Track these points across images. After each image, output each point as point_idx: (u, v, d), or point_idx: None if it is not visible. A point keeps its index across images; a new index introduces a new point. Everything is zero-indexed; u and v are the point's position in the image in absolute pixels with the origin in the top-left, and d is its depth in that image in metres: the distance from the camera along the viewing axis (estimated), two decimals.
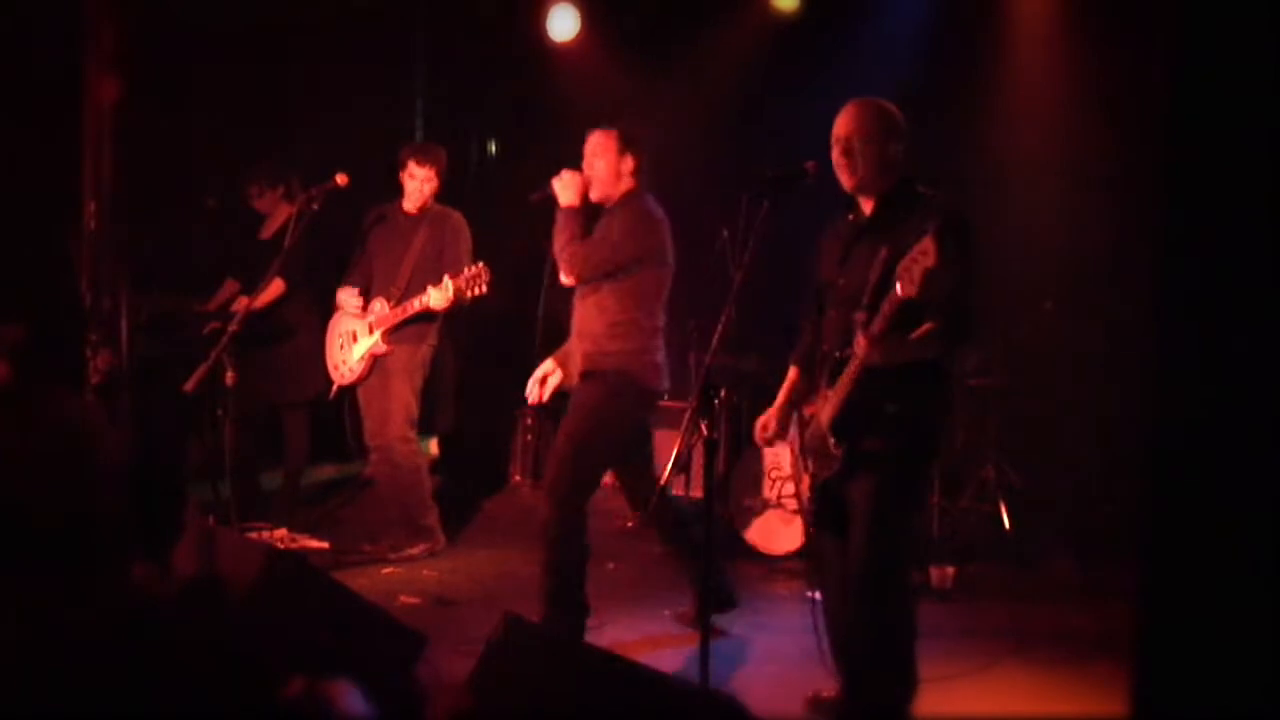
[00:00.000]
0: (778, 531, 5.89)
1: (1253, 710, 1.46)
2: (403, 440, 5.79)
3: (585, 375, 4.49)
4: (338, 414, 6.27)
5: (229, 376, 5.14)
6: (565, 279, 4.54)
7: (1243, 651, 1.46)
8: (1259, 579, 1.45)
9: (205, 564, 3.83)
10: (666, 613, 4.90)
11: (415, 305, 5.58)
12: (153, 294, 6.27)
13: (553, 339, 4.76)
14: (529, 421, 7.36)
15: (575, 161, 4.56)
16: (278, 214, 6.21)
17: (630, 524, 6.53)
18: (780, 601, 5.36)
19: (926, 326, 3.26)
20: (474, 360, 7.61)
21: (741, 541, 5.95)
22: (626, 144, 4.49)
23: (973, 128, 6.58)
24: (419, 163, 5.79)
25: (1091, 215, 6.26)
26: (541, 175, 4.61)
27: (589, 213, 4.57)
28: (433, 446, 7.50)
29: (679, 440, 3.70)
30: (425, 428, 6.18)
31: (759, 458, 5.99)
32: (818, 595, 3.82)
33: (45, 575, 3.34)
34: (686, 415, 3.53)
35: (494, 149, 8.40)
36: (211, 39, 6.72)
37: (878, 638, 3.53)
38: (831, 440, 3.48)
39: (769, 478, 5.92)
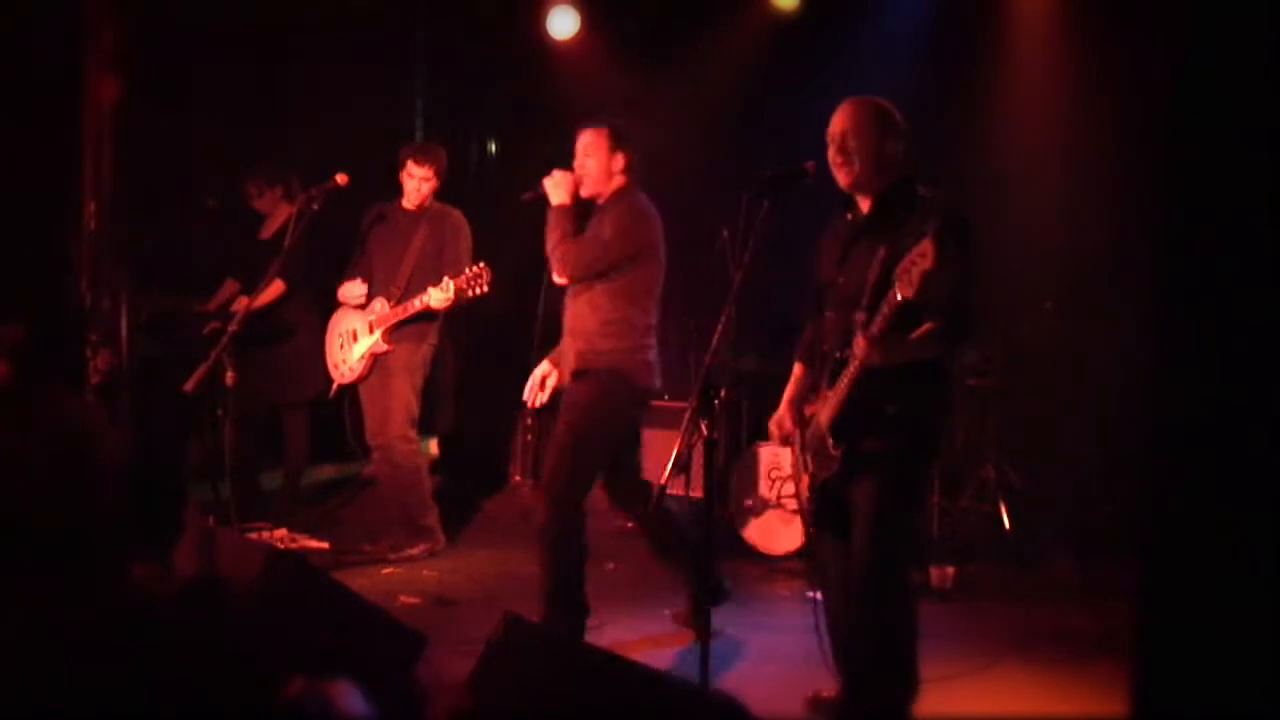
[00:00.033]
0: (777, 531, 5.89)
1: (1253, 710, 1.46)
2: (403, 439, 5.80)
3: (578, 374, 4.48)
4: (338, 414, 6.27)
5: (229, 376, 5.14)
6: (557, 278, 4.54)
7: (1243, 651, 1.46)
8: (1259, 579, 1.45)
9: (205, 564, 3.84)
10: (666, 613, 4.90)
11: (416, 304, 5.58)
12: (153, 294, 6.27)
13: (551, 339, 4.76)
14: (529, 421, 7.36)
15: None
16: (277, 214, 6.21)
17: (630, 524, 6.53)
18: (780, 601, 5.36)
19: (926, 327, 3.26)
20: (474, 360, 7.61)
21: (741, 541, 5.95)
22: (617, 141, 4.49)
23: (973, 128, 6.57)
24: (417, 162, 5.79)
25: (1091, 215, 6.25)
26: (541, 175, 4.61)
27: (582, 210, 4.56)
28: (433, 446, 7.50)
29: (679, 440, 3.69)
30: (425, 428, 6.18)
31: (759, 458, 5.99)
32: (819, 595, 3.82)
33: (45, 575, 3.34)
34: (686, 415, 3.52)
35: (494, 149, 8.40)
36: (211, 39, 6.72)
37: (879, 638, 3.53)
38: (830, 441, 3.48)
39: (769, 478, 5.92)
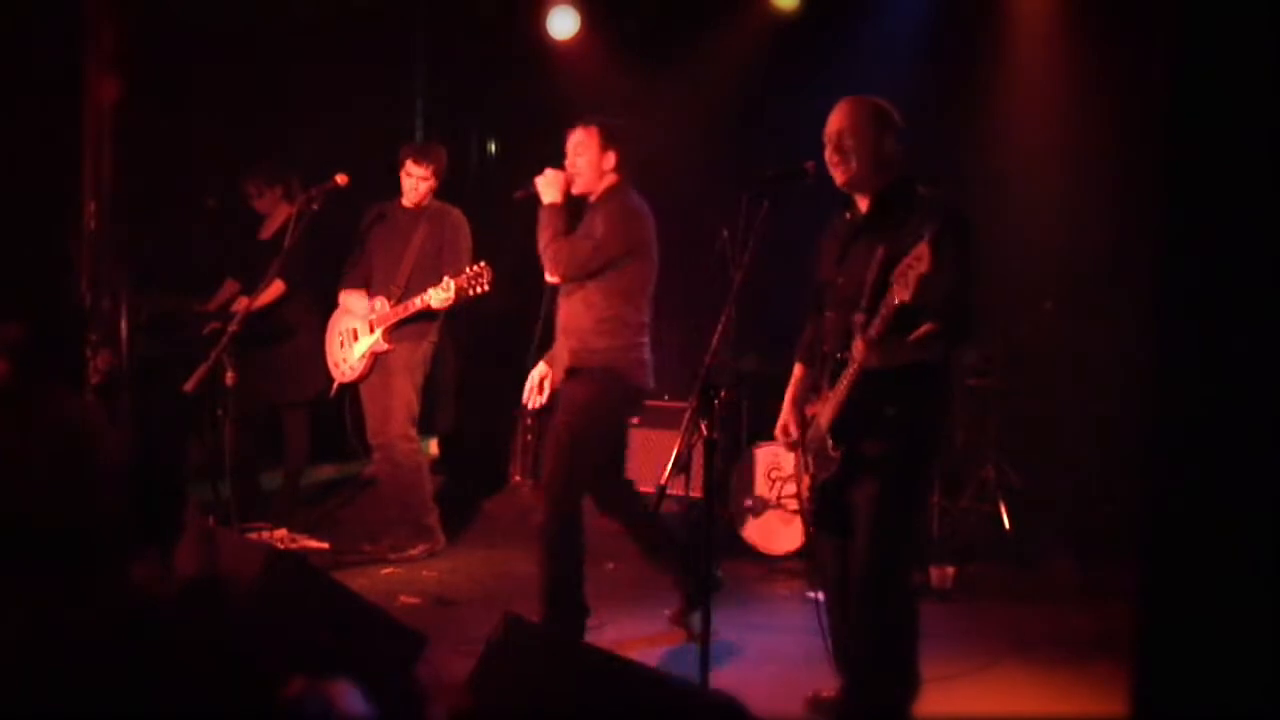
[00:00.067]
0: (777, 531, 5.89)
1: (1253, 710, 1.46)
2: (404, 439, 5.80)
3: (572, 372, 4.48)
4: (338, 414, 6.27)
5: (229, 376, 5.14)
6: (549, 277, 4.54)
7: (1243, 651, 1.46)
8: (1259, 579, 1.45)
9: (205, 564, 3.83)
10: (666, 613, 4.90)
11: (416, 303, 5.58)
12: (153, 294, 6.27)
13: (550, 340, 4.76)
14: (529, 421, 7.35)
15: None
16: (277, 214, 6.21)
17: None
18: (780, 601, 5.36)
19: (926, 327, 3.26)
20: (474, 360, 7.61)
21: (741, 541, 5.95)
22: (608, 139, 4.49)
23: (973, 128, 6.57)
24: (416, 161, 5.79)
25: (1091, 215, 6.25)
26: (538, 174, 4.60)
27: (574, 209, 4.56)
28: (433, 446, 7.50)
29: (679, 440, 3.69)
30: (425, 427, 6.19)
31: (758, 458, 5.99)
32: (820, 596, 3.82)
33: (45, 575, 3.34)
34: (686, 415, 3.52)
35: (494, 149, 8.40)
36: (211, 39, 6.72)
37: (879, 638, 3.53)
38: (830, 442, 3.48)
39: (769, 478, 5.92)
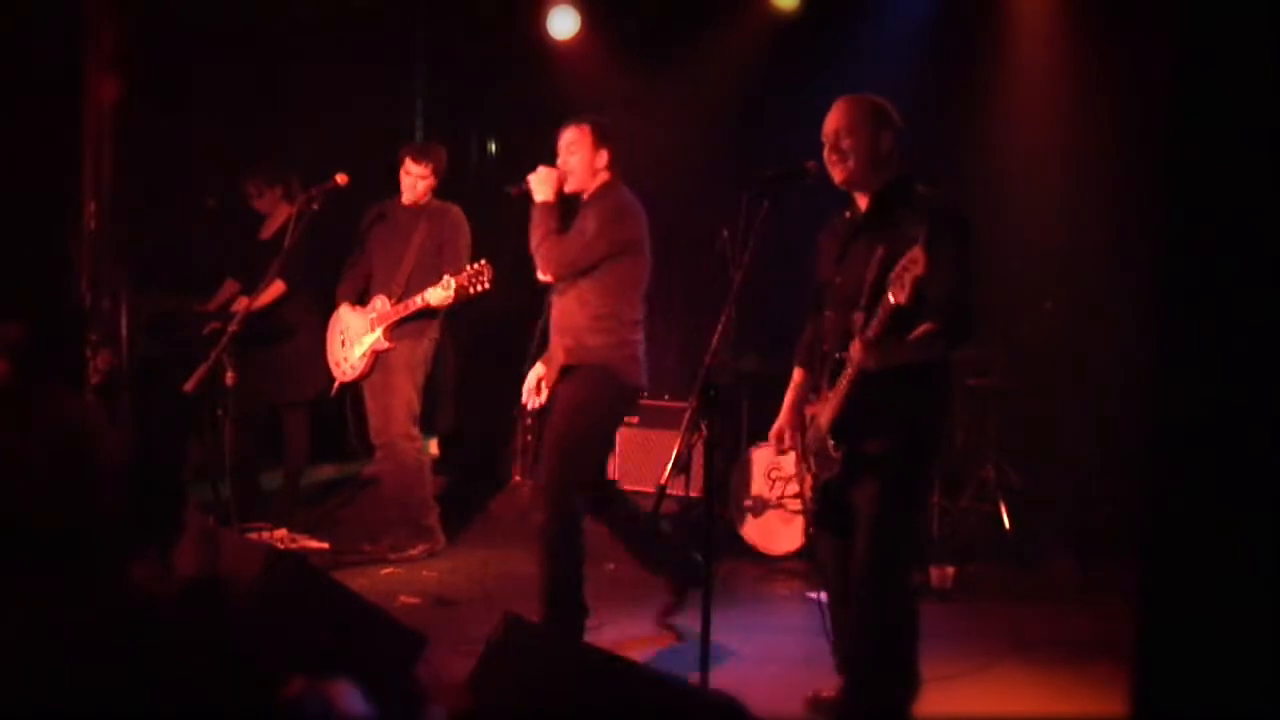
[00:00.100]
0: (777, 531, 5.89)
1: (1253, 710, 1.46)
2: (406, 438, 5.80)
3: (567, 369, 4.47)
4: (338, 414, 6.27)
5: (229, 376, 5.14)
6: (541, 275, 4.54)
7: (1243, 651, 1.46)
8: (1259, 579, 1.45)
9: (205, 564, 3.83)
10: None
11: (417, 302, 5.58)
12: (153, 294, 6.27)
13: (549, 340, 4.76)
14: (529, 421, 7.35)
15: None
16: (277, 214, 6.21)
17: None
18: (780, 601, 5.36)
19: (925, 327, 3.26)
20: (474, 360, 7.61)
21: (741, 541, 5.95)
22: (601, 137, 4.49)
23: (973, 128, 6.57)
24: (415, 160, 5.80)
25: (1091, 215, 6.25)
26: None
27: (567, 207, 4.56)
28: (433, 446, 7.50)
29: (679, 440, 3.70)
30: (425, 427, 6.18)
31: (759, 457, 5.99)
32: (821, 596, 3.82)
33: (45, 575, 3.34)
34: (686, 415, 3.53)
35: (494, 149, 8.40)
36: (211, 39, 6.72)
37: (879, 638, 3.53)
38: (831, 443, 3.48)
39: (769, 478, 5.92)
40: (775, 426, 3.84)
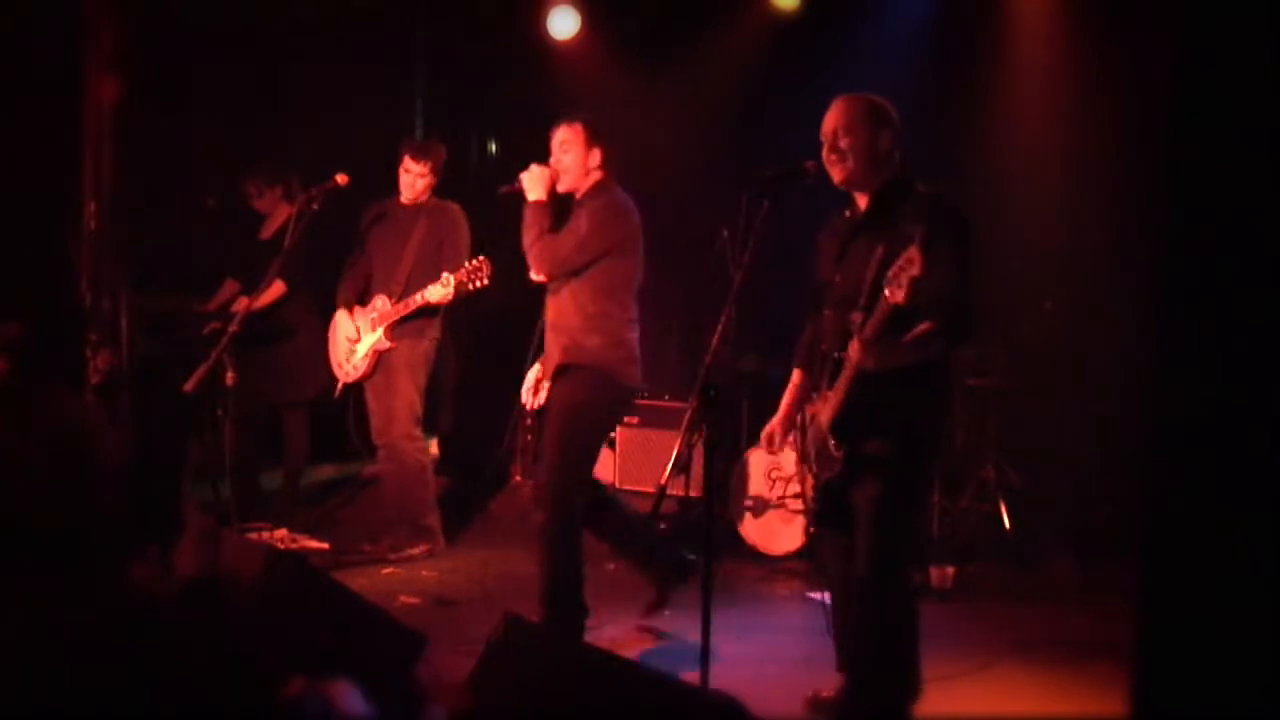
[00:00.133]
0: (778, 531, 5.89)
1: (1253, 710, 1.46)
2: (408, 438, 5.80)
3: (563, 369, 4.45)
4: (339, 414, 6.27)
5: (229, 376, 5.14)
6: (534, 275, 4.53)
7: (1243, 651, 1.46)
8: (1259, 579, 1.45)
9: (206, 564, 3.84)
10: (666, 613, 4.90)
11: (417, 300, 5.57)
12: (153, 294, 6.27)
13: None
14: (529, 421, 7.35)
15: None
16: (277, 214, 6.21)
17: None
18: (780, 601, 5.36)
19: (924, 326, 3.26)
20: (474, 360, 7.61)
21: (741, 541, 5.95)
22: (594, 136, 4.47)
23: (973, 127, 6.57)
24: (414, 158, 5.79)
25: (1091, 215, 6.25)
26: None
27: (560, 206, 4.55)
28: (433, 446, 7.50)
29: (679, 440, 3.70)
30: (426, 427, 6.18)
31: (759, 457, 5.98)
32: (821, 596, 3.82)
33: (45, 575, 3.34)
34: (686, 415, 3.53)
35: (494, 149, 8.40)
36: (211, 39, 6.72)
37: (879, 639, 3.53)
38: (832, 442, 3.48)
39: (769, 478, 5.92)
40: (767, 428, 3.84)
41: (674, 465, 4.03)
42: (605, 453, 7.11)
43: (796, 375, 3.85)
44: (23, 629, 2.62)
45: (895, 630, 3.52)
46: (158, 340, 6.13)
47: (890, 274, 3.17)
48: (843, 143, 3.53)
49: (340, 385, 5.92)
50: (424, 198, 5.83)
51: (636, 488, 7.02)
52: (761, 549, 5.91)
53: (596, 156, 4.48)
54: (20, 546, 3.57)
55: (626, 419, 7.11)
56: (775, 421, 3.83)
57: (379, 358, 5.77)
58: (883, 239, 3.39)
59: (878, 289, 3.28)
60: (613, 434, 7.14)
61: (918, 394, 3.44)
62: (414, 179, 5.79)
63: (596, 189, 4.48)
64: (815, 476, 3.61)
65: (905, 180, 3.56)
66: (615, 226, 4.43)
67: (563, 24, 7.52)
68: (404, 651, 3.35)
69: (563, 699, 2.83)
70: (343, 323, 5.93)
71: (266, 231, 6.25)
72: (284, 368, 6.09)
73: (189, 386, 5.01)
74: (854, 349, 3.36)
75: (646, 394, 7.06)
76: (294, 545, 5.82)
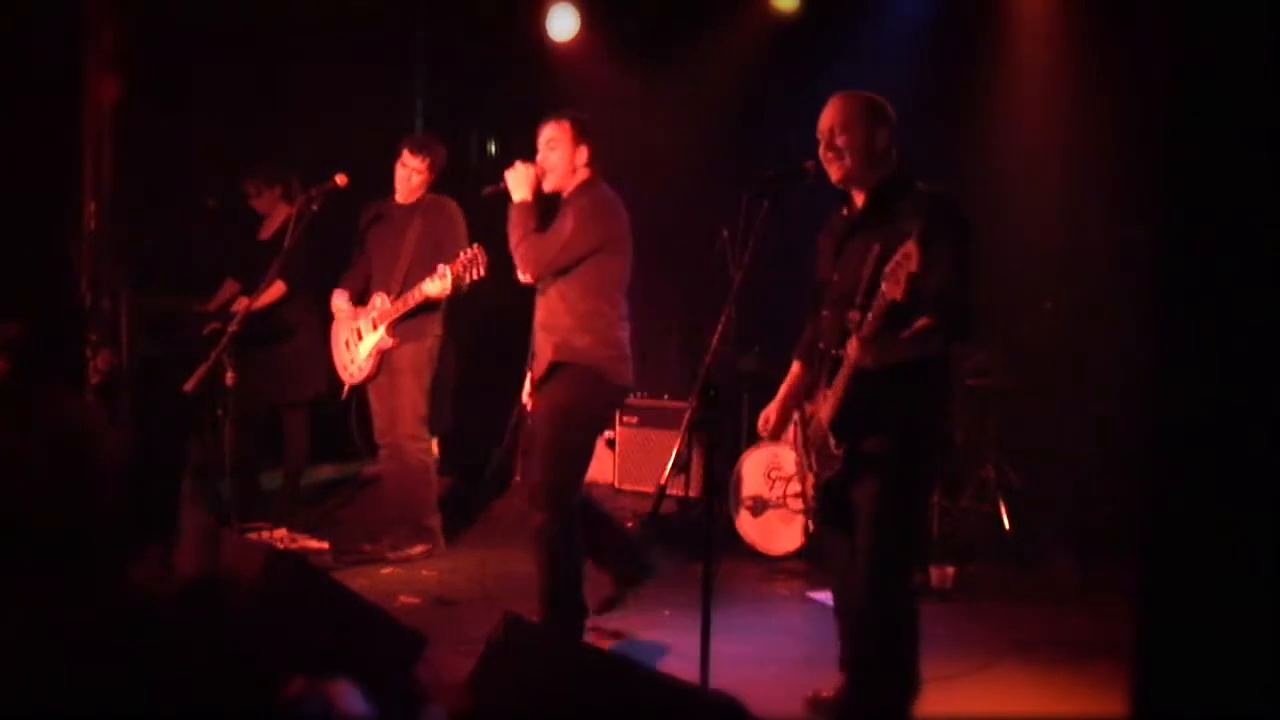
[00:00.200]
0: (778, 531, 5.89)
1: (1253, 710, 1.46)
2: (412, 439, 5.79)
3: (555, 366, 4.42)
4: (342, 414, 6.26)
5: (229, 376, 5.14)
6: (521, 276, 4.51)
7: (1243, 651, 1.46)
8: (1259, 579, 1.45)
9: (206, 564, 3.84)
10: (666, 612, 4.90)
11: (416, 295, 5.57)
12: (153, 294, 6.27)
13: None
14: (530, 422, 7.35)
15: None
16: (276, 214, 6.22)
17: (630, 524, 6.53)
18: (780, 601, 5.36)
19: (922, 323, 3.25)
20: (474, 360, 7.61)
21: (741, 541, 5.95)
22: (581, 133, 4.46)
23: (973, 128, 6.57)
24: (412, 153, 5.79)
25: (1091, 215, 6.25)
26: None
27: (549, 203, 4.54)
28: (433, 447, 7.50)
29: (679, 440, 3.70)
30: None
31: (758, 458, 5.99)
32: (817, 595, 3.82)
33: (45, 575, 3.34)
34: (686, 415, 3.53)
35: (494, 149, 8.40)
36: (211, 39, 6.72)
37: (879, 638, 3.53)
38: (833, 440, 3.48)
39: (769, 478, 5.92)
40: (764, 412, 3.84)
41: (674, 465, 4.03)
42: (605, 453, 7.13)
43: (796, 367, 3.85)
44: (23, 629, 2.62)
45: (895, 630, 3.52)
46: (158, 340, 6.13)
47: (888, 270, 3.17)
48: (839, 140, 3.53)
49: (346, 387, 5.91)
50: (419, 194, 5.83)
51: (636, 488, 7.03)
52: (761, 549, 5.91)
53: (584, 154, 4.46)
54: (20, 546, 3.57)
55: (626, 419, 7.12)
56: (772, 406, 3.83)
57: (383, 357, 5.76)
58: (880, 236, 3.39)
59: (875, 286, 3.28)
60: (612, 434, 7.17)
61: (917, 391, 3.44)
62: (410, 174, 5.78)
63: (583, 187, 4.47)
64: (816, 475, 3.61)
65: (903, 178, 3.56)
66: (601, 224, 4.41)
67: (563, 24, 7.52)
68: (404, 651, 3.35)
69: (563, 699, 2.83)
70: (343, 324, 5.93)
71: (266, 232, 6.25)
72: (284, 368, 6.09)
73: (189, 386, 5.01)
74: (852, 347, 3.36)
75: (646, 394, 7.08)
76: (294, 545, 5.82)
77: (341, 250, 6.02)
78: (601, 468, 7.17)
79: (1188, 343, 1.51)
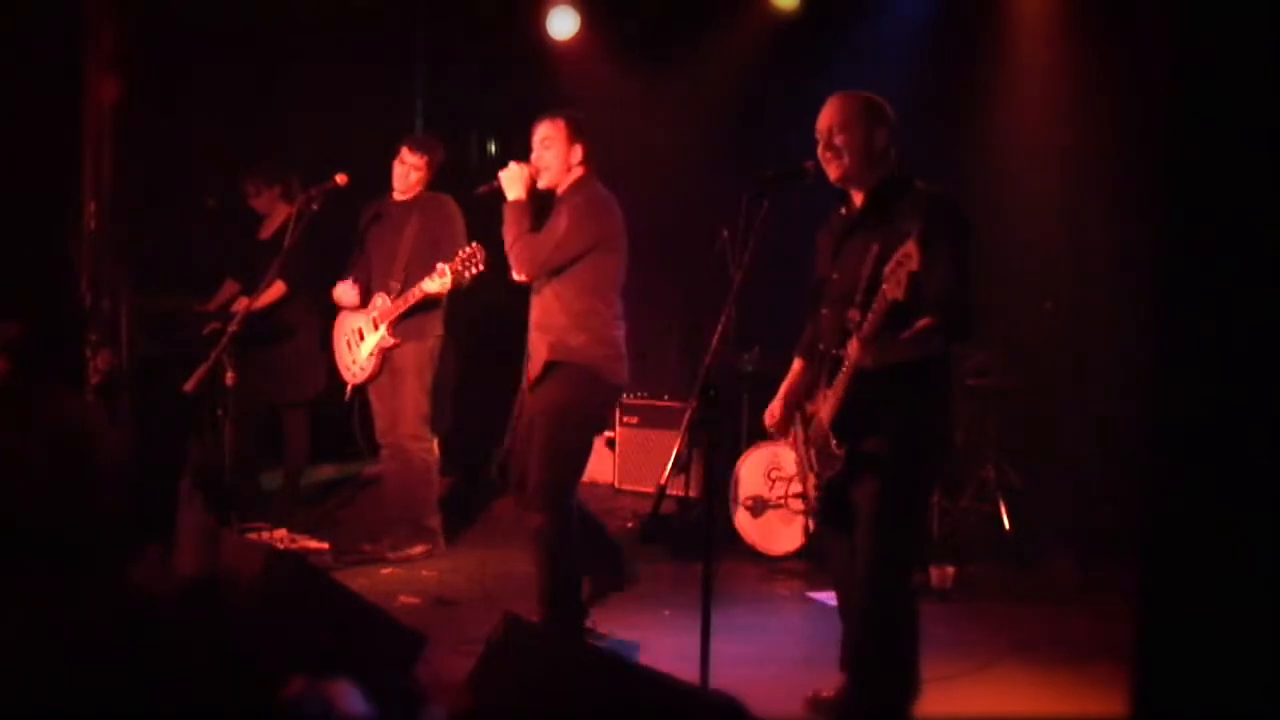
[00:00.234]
0: (778, 531, 5.89)
1: (1253, 710, 1.46)
2: (414, 438, 5.79)
3: (550, 365, 4.41)
4: (343, 414, 6.26)
5: (229, 376, 5.14)
6: (515, 275, 4.51)
7: (1243, 651, 1.46)
8: (1259, 579, 1.45)
9: (206, 564, 3.84)
10: (666, 612, 4.90)
11: (416, 293, 5.56)
12: (153, 294, 6.27)
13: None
14: (522, 422, 7.34)
15: None
16: (276, 214, 6.22)
17: (630, 524, 6.54)
18: (780, 601, 5.36)
19: (922, 322, 3.25)
20: (474, 360, 7.61)
21: (741, 541, 5.95)
22: (575, 132, 4.45)
23: (973, 128, 6.57)
24: (411, 150, 5.79)
25: (1091, 215, 6.25)
26: None
27: (544, 201, 4.54)
28: (435, 446, 7.49)
29: (679, 440, 3.70)
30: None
31: (758, 458, 5.99)
32: (817, 595, 3.82)
33: (45, 575, 3.34)
34: (686, 415, 3.53)
35: (494, 149, 8.40)
36: (211, 39, 6.72)
37: (880, 638, 3.53)
38: (834, 441, 3.48)
39: (769, 478, 5.92)
40: (770, 407, 3.83)
41: (674, 465, 4.03)
42: (605, 453, 7.13)
43: (797, 364, 3.85)
44: (23, 629, 2.62)
45: (895, 630, 3.52)
46: (158, 340, 6.14)
47: (888, 270, 3.17)
48: (838, 140, 3.53)
49: (350, 387, 5.91)
50: (416, 191, 5.83)
51: (636, 488, 7.03)
52: (761, 549, 5.91)
53: (578, 152, 4.46)
54: (20, 546, 3.57)
55: (626, 419, 7.12)
56: (776, 403, 3.81)
57: (385, 356, 5.76)
58: (878, 236, 3.39)
59: (874, 285, 3.28)
60: (612, 434, 7.17)
61: (917, 391, 3.44)
62: (408, 170, 5.78)
63: (577, 185, 4.46)
64: (817, 475, 3.61)
65: (902, 177, 3.56)
66: (595, 223, 4.40)
67: (563, 24, 7.52)
68: (404, 651, 3.35)
69: (563, 699, 2.83)
70: (344, 324, 5.93)
71: (265, 231, 6.26)
72: (284, 368, 6.09)
73: (189, 386, 5.01)
74: (853, 347, 3.36)
75: (646, 394, 7.08)
76: (294, 545, 5.82)
77: (341, 250, 6.02)
78: (601, 468, 7.17)
79: (1188, 343, 1.51)
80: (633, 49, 7.54)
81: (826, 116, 3.57)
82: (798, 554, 5.78)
